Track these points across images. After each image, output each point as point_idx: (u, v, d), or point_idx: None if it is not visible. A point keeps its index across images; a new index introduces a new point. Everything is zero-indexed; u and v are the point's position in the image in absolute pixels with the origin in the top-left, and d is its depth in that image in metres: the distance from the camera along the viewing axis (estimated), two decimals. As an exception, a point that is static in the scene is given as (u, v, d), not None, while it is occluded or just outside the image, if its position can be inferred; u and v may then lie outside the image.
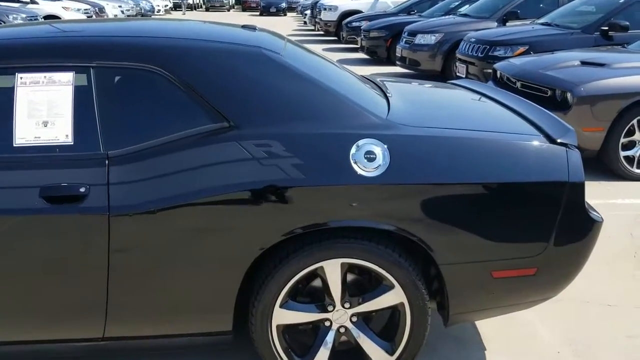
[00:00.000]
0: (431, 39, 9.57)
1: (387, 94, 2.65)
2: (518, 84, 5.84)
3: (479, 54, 8.06)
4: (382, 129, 2.23)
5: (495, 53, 7.82)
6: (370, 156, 2.15)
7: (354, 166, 2.14)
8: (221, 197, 2.10)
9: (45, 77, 2.18)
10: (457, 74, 8.62)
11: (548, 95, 5.37)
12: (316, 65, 2.52)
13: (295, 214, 2.13)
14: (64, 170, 2.10)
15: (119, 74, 2.22)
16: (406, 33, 10.26)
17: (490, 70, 6.82)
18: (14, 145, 2.10)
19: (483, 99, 2.94)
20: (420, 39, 9.70)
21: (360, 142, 2.17)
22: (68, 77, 2.17)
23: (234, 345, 2.42)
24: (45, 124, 2.14)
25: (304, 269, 2.21)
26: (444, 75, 9.20)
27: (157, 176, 2.11)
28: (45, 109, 2.15)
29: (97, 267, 2.12)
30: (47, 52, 2.23)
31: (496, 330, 2.84)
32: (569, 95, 5.16)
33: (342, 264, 2.23)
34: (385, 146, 2.17)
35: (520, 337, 2.83)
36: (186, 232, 2.12)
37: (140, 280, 2.16)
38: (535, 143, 2.32)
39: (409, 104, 2.60)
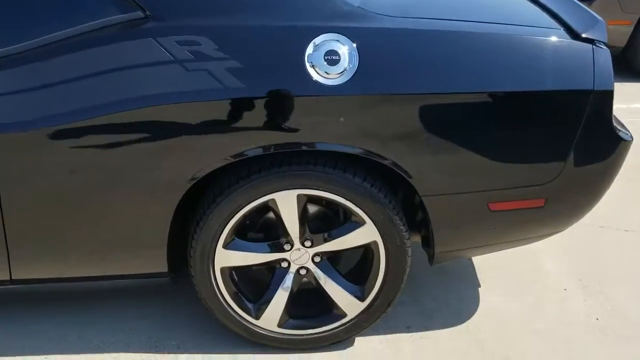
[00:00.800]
0: None
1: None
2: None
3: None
4: (350, 20, 1.68)
5: None
6: (332, 57, 1.62)
7: (311, 71, 1.62)
8: (133, 113, 1.60)
9: None
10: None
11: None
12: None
13: (232, 136, 1.65)
14: None
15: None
16: None
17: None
18: None
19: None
20: None
21: (319, 38, 1.63)
22: None
23: (178, 288, 2.04)
24: None
25: (250, 202, 1.76)
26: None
27: (51, 85, 1.61)
28: None
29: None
30: None
31: (493, 263, 2.42)
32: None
33: (299, 196, 1.77)
34: (354, 44, 1.64)
35: (521, 270, 2.42)
36: (93, 155, 1.65)
37: (43, 212, 1.72)
38: (553, 39, 1.77)
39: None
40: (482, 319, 2.14)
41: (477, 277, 2.37)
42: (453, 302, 2.23)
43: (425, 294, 2.26)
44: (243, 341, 1.98)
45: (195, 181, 1.69)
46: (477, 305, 2.22)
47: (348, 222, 1.84)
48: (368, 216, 1.79)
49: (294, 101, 1.63)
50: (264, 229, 1.93)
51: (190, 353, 1.98)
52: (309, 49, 1.62)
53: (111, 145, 1.64)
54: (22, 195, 1.69)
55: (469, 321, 2.14)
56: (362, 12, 1.71)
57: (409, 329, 2.10)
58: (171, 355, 1.97)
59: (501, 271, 2.40)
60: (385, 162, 1.70)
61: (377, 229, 1.81)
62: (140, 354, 1.96)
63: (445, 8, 1.92)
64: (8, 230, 1.73)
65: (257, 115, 1.63)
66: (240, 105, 1.62)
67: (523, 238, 1.99)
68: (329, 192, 1.76)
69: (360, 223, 1.81)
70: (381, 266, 1.88)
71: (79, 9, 1.63)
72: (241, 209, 1.76)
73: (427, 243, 1.96)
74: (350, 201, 1.77)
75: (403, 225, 1.83)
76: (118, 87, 1.61)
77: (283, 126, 1.64)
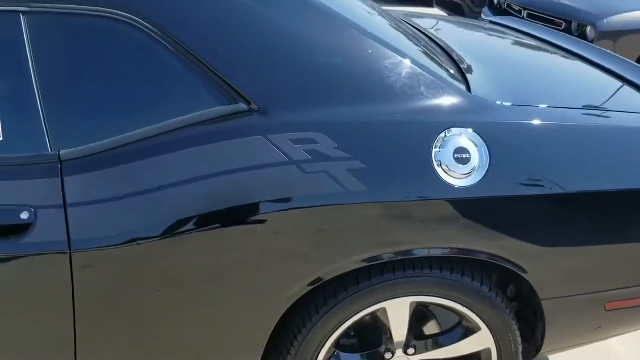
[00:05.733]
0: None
1: (450, 51, 1.90)
2: (524, 13, 5.14)
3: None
4: (473, 112, 1.52)
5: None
6: (462, 156, 1.45)
7: (439, 171, 1.45)
8: (238, 218, 1.38)
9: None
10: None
11: (562, 29, 4.71)
12: (363, 13, 1.75)
13: (352, 243, 1.44)
14: (-8, 185, 1.33)
15: (72, 25, 1.40)
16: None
17: (489, -4, 6.05)
18: None
19: (556, 50, 2.23)
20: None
21: (447, 134, 1.46)
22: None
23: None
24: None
25: (359, 312, 1.56)
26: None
27: (142, 192, 1.36)
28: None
29: (57, 323, 1.40)
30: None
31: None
32: (588, 29, 4.52)
33: (412, 304, 1.58)
34: (482, 140, 1.47)
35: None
36: (190, 265, 1.41)
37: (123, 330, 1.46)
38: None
39: (484, 65, 1.86)
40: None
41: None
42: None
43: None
44: None
45: (312, 287, 1.47)
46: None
47: (459, 328, 1.67)
48: (484, 322, 1.62)
49: (422, 206, 1.45)
50: (357, 335, 1.72)
51: None
52: (436, 146, 1.45)
53: (212, 254, 1.41)
54: (107, 317, 1.42)
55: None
56: (481, 102, 1.55)
57: None
58: None
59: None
60: (515, 268, 1.54)
61: (493, 336, 1.64)
62: None
63: (558, 91, 1.79)
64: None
65: (385, 221, 1.44)
66: (364, 211, 1.42)
67: (627, 331, 1.87)
68: (445, 298, 1.58)
69: (474, 329, 1.64)
70: (490, 374, 1.71)
71: (174, 99, 1.40)
72: (348, 319, 1.56)
73: (527, 340, 1.81)
74: (467, 307, 1.59)
75: (517, 330, 1.67)
76: (220, 190, 1.38)
77: (410, 233, 1.46)
